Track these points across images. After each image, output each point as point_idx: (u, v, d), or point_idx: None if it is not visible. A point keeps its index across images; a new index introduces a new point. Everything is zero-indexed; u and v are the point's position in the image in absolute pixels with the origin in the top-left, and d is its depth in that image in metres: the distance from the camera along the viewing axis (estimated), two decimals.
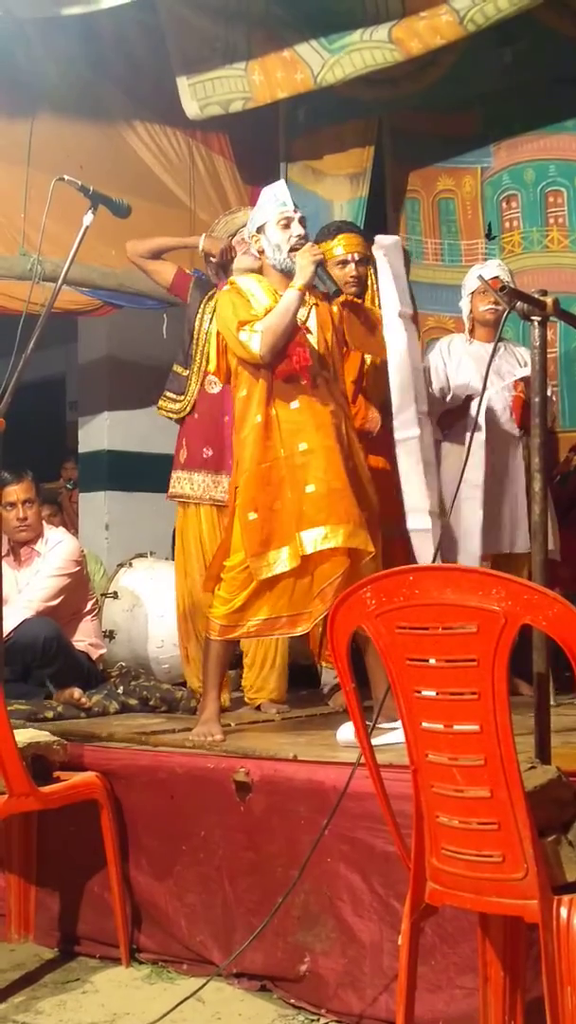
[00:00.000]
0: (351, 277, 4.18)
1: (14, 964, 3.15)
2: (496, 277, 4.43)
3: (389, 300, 3.70)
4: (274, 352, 3.54)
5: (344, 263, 4.22)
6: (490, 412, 4.32)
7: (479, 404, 4.16)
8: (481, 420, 4.11)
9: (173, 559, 5.45)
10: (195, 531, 4.48)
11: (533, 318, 2.26)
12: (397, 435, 3.78)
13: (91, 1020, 2.78)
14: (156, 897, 3.15)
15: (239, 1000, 2.85)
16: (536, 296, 2.25)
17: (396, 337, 3.72)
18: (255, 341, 3.52)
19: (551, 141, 5.21)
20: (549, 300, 2.24)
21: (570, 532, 4.66)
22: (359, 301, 3.79)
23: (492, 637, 1.91)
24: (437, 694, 2.03)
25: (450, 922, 2.52)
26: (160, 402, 4.62)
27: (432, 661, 2.02)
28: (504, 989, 2.32)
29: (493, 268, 4.52)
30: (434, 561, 3.37)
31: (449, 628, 1.98)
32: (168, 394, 4.58)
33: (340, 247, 4.25)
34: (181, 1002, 2.71)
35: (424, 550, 3.68)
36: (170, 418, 4.58)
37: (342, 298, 3.82)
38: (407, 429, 3.76)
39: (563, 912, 1.93)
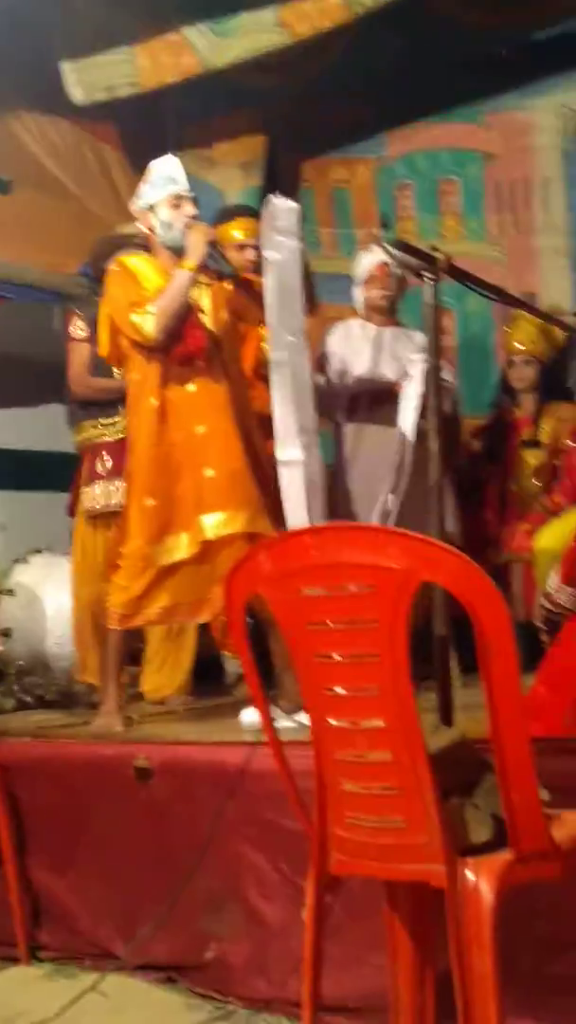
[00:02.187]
0: (248, 262, 4.12)
1: None
2: (383, 262, 4.43)
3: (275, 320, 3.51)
4: (168, 333, 3.46)
5: (242, 247, 4.15)
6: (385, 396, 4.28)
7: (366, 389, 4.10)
8: (409, 407, 4.02)
9: (69, 555, 5.34)
10: (103, 540, 4.35)
11: (425, 275, 2.23)
12: (279, 455, 3.51)
13: None
14: (57, 892, 3.06)
15: (144, 992, 2.77)
16: (429, 252, 2.22)
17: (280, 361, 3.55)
18: (148, 323, 3.44)
19: (444, 130, 5.25)
20: (442, 255, 2.22)
21: (471, 517, 4.68)
22: (250, 277, 3.72)
23: (390, 596, 1.87)
24: (338, 657, 1.98)
25: (358, 899, 2.47)
26: (86, 432, 4.48)
27: (331, 624, 1.96)
28: (413, 961, 2.27)
29: (377, 252, 4.51)
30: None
31: (347, 589, 1.93)
32: (100, 420, 4.43)
33: (238, 231, 4.19)
34: (80, 996, 2.63)
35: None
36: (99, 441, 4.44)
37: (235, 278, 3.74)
38: (289, 452, 3.48)
39: (469, 874, 1.89)
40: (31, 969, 3.00)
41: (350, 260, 4.99)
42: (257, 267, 4.08)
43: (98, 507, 4.36)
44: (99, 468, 4.43)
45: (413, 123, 5.36)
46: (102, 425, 4.43)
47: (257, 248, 4.11)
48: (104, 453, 4.41)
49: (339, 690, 1.98)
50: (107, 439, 4.40)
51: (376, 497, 4.20)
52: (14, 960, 3.03)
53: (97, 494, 4.40)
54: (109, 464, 4.37)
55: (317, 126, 5.55)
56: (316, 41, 4.76)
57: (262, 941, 2.68)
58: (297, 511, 3.37)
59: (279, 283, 3.35)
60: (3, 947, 3.08)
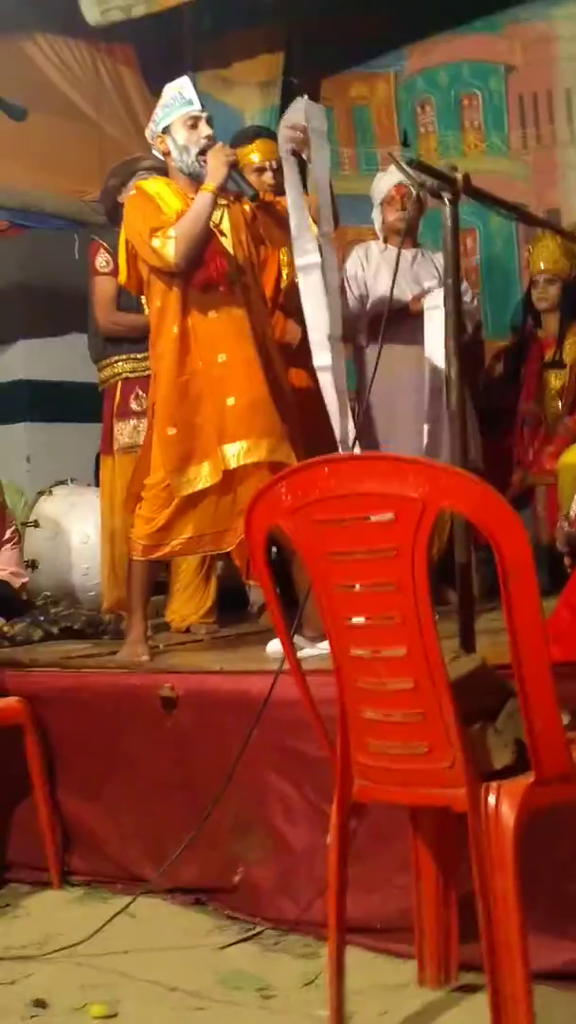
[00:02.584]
0: (268, 185, 4.04)
1: None
2: (401, 183, 4.35)
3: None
4: (189, 259, 3.40)
5: (261, 170, 4.08)
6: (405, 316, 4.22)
7: (387, 311, 4.03)
8: (434, 332, 3.96)
9: (95, 485, 5.35)
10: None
11: (444, 195, 2.17)
12: (316, 362, 3.49)
13: (23, 943, 2.73)
14: (86, 819, 3.11)
15: (174, 914, 2.83)
16: (446, 172, 2.16)
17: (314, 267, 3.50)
18: (169, 247, 3.38)
19: (464, 41, 5.11)
20: (460, 175, 2.16)
21: (496, 441, 4.64)
22: (271, 199, 3.65)
23: (411, 524, 1.85)
24: (358, 587, 1.98)
25: (382, 822, 2.49)
26: (116, 367, 4.43)
27: (351, 554, 1.95)
28: (437, 883, 2.31)
29: (393, 173, 4.42)
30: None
31: (367, 518, 1.92)
32: (131, 355, 4.36)
33: (257, 153, 4.11)
34: (112, 918, 2.68)
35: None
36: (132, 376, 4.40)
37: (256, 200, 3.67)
38: (323, 357, 3.45)
39: (491, 799, 1.89)
40: (63, 893, 3.06)
41: (371, 179, 4.90)
42: (277, 189, 4.01)
43: (134, 444, 4.32)
44: (133, 404, 4.38)
45: (433, 36, 5.22)
46: (134, 360, 4.37)
47: (276, 170, 4.04)
48: (138, 389, 4.35)
49: (360, 619, 1.98)
50: (140, 374, 4.34)
51: (398, 417, 4.17)
52: (46, 884, 3.09)
53: (133, 430, 4.37)
54: (144, 401, 4.32)
55: (335, 42, 5.41)
56: None
57: (288, 864, 2.71)
58: (336, 415, 3.34)
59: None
60: (35, 871, 3.13)
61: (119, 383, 4.45)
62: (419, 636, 1.91)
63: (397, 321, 4.24)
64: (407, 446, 4.07)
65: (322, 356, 3.37)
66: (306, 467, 1.98)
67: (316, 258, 3.40)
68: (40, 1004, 2.37)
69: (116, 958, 2.59)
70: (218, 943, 2.66)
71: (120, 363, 4.44)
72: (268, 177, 4.03)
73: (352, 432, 3.46)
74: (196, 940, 2.68)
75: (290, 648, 2.16)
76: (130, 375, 4.41)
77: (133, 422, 4.37)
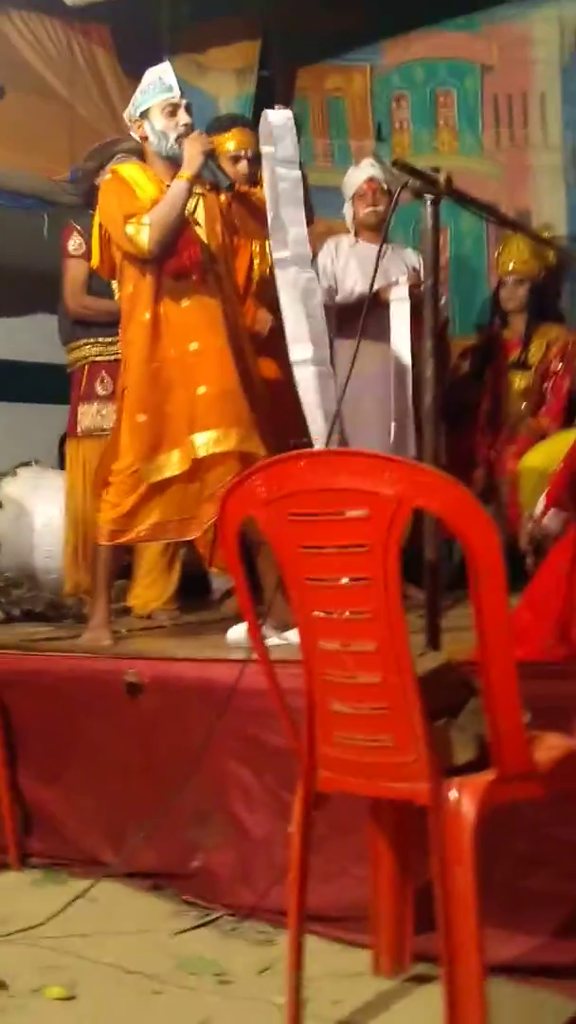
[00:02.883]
0: (243, 174, 4.05)
1: None
2: (371, 178, 4.38)
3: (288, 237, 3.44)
4: (163, 246, 3.40)
5: (236, 159, 4.08)
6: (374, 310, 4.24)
7: (365, 306, 4.07)
8: (399, 326, 3.99)
9: (59, 468, 5.34)
10: (95, 457, 4.34)
11: (426, 196, 2.20)
12: (292, 356, 3.55)
13: None
14: (47, 802, 3.12)
15: (132, 898, 2.84)
16: (429, 172, 2.19)
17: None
18: (143, 234, 3.38)
19: (441, 39, 5.13)
20: (442, 176, 2.19)
21: (459, 439, 4.68)
22: (247, 189, 3.66)
23: (384, 521, 1.88)
24: (329, 581, 2.00)
25: (342, 813, 2.51)
26: (83, 350, 4.42)
27: (324, 548, 1.98)
28: (393, 874, 2.35)
29: (365, 168, 4.45)
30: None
31: (341, 513, 1.94)
32: (99, 339, 4.38)
33: (232, 142, 4.11)
34: (72, 901, 2.70)
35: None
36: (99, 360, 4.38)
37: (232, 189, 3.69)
38: (301, 351, 3.50)
39: (452, 794, 1.93)
40: (22, 875, 3.07)
41: (343, 172, 4.92)
42: (252, 178, 4.02)
43: (98, 427, 4.34)
44: (99, 388, 4.40)
45: (410, 31, 5.23)
46: (101, 344, 4.38)
47: (251, 159, 4.05)
48: (104, 373, 4.36)
49: (331, 613, 2.00)
50: (107, 358, 4.35)
51: (364, 414, 4.20)
52: (5, 866, 3.10)
53: (94, 414, 4.38)
54: (109, 385, 4.34)
55: (313, 32, 5.41)
56: None
57: (247, 852, 2.74)
58: (314, 411, 3.36)
59: (283, 188, 3.31)
60: None
61: (86, 366, 4.45)
62: (388, 632, 1.94)
63: (364, 316, 4.26)
64: (373, 442, 4.12)
65: (299, 350, 3.39)
66: (282, 460, 2.00)
67: (290, 252, 3.41)
68: None
69: (74, 941, 2.60)
70: (176, 928, 2.68)
71: (88, 346, 4.44)
72: (243, 166, 4.04)
73: (320, 424, 3.48)
74: (154, 924, 2.71)
75: (259, 637, 2.18)
76: (96, 359, 4.42)
77: (97, 405, 4.38)
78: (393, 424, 3.96)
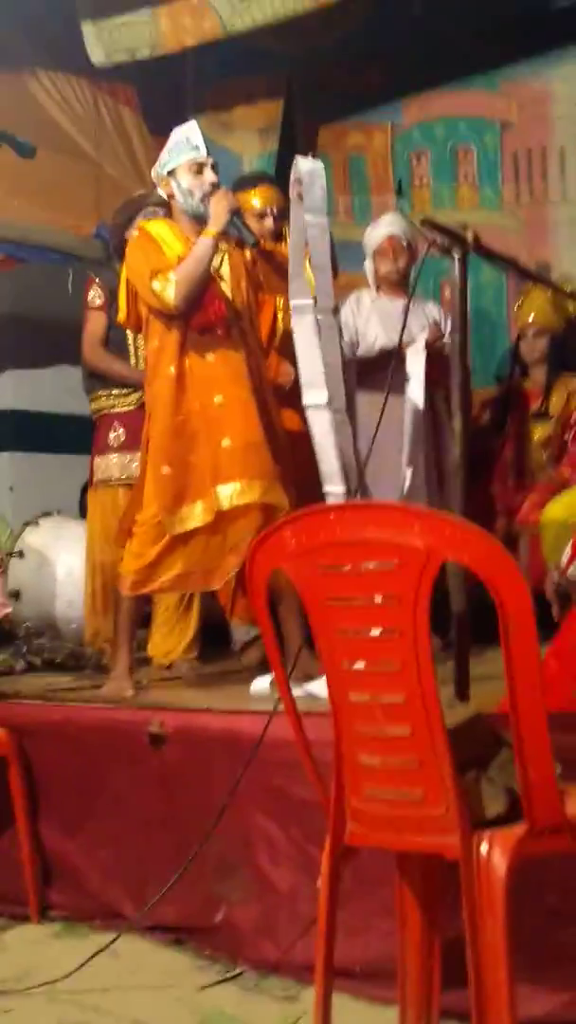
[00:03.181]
0: (268, 231, 4.11)
1: None
2: (391, 235, 4.43)
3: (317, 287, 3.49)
4: (189, 302, 3.45)
5: (262, 216, 4.14)
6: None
7: (392, 362, 4.11)
8: (414, 377, 4.02)
9: (80, 517, 5.37)
10: (113, 507, 4.38)
11: (453, 253, 2.23)
12: (306, 400, 3.54)
13: (2, 977, 2.72)
14: (67, 853, 3.11)
15: (153, 952, 2.82)
16: (456, 230, 2.22)
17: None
18: (170, 290, 3.43)
19: (461, 98, 5.22)
20: (470, 233, 2.22)
21: (479, 488, 4.69)
22: (272, 246, 3.71)
23: (414, 574, 1.89)
24: (359, 633, 2.01)
25: (368, 867, 2.51)
26: (100, 401, 4.48)
27: (354, 600, 1.99)
28: (421, 929, 2.31)
29: (385, 224, 4.51)
30: None
31: (370, 566, 1.95)
32: (113, 391, 4.43)
33: (258, 199, 4.17)
34: (94, 955, 2.68)
35: None
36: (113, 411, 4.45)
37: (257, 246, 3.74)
38: (315, 395, 3.50)
39: (483, 847, 1.92)
40: (41, 928, 3.05)
41: (364, 227, 4.98)
42: (277, 235, 4.08)
43: (110, 478, 4.39)
44: (111, 439, 4.44)
45: (430, 90, 5.33)
46: (116, 396, 4.43)
47: (276, 216, 4.11)
48: (116, 424, 4.42)
49: (360, 665, 2.01)
50: (119, 409, 4.41)
51: (389, 466, 4.22)
52: (25, 918, 3.08)
53: (108, 465, 4.43)
54: (122, 435, 4.38)
55: (335, 92, 5.52)
56: (337, 6, 4.72)
57: (271, 905, 2.72)
58: (328, 456, 3.38)
59: (311, 234, 3.34)
60: (13, 905, 3.12)
61: (101, 417, 4.50)
62: (418, 683, 1.94)
63: (384, 369, 4.30)
64: (390, 492, 4.15)
65: (314, 395, 3.42)
66: (312, 512, 2.02)
67: (309, 300, 3.46)
68: None
69: (95, 995, 2.59)
70: (198, 983, 2.66)
71: (103, 398, 4.49)
72: (269, 223, 4.09)
73: (339, 472, 3.48)
74: (176, 979, 2.68)
75: (287, 689, 2.18)
76: (111, 411, 4.47)
77: (109, 456, 4.42)
78: (408, 471, 3.96)
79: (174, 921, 2.86)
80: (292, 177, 3.40)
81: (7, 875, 3.14)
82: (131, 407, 4.34)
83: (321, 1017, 2.10)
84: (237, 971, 2.71)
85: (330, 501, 3.44)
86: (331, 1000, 2.12)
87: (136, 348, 4.32)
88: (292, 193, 3.38)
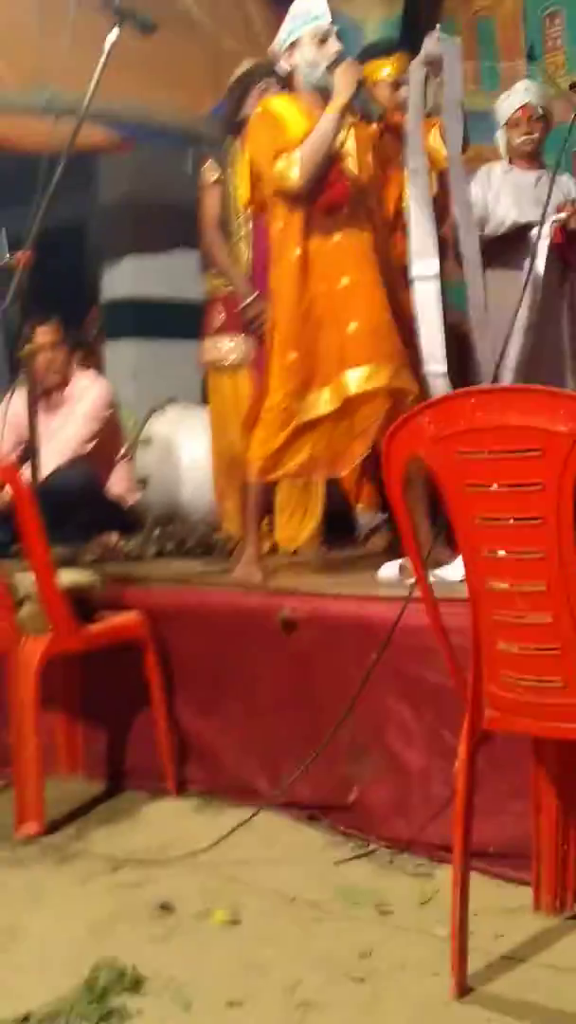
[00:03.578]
0: (401, 102, 3.94)
1: (64, 798, 3.20)
2: (526, 104, 4.22)
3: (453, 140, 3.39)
4: (313, 180, 3.36)
5: (397, 86, 3.98)
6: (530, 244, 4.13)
7: (538, 234, 3.93)
8: (540, 256, 3.88)
9: (204, 404, 5.39)
10: (231, 390, 4.39)
11: None
12: (414, 271, 3.47)
13: (144, 848, 2.84)
14: (202, 732, 3.19)
15: (289, 828, 2.89)
16: None
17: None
18: (294, 169, 3.34)
19: None
20: None
21: None
22: (399, 119, 3.58)
23: (558, 460, 1.85)
24: (498, 520, 1.97)
25: (501, 751, 2.51)
26: (210, 281, 4.46)
27: (494, 487, 1.95)
28: (557, 813, 2.34)
29: (519, 93, 4.29)
30: None
31: (512, 451, 1.91)
32: (214, 271, 4.41)
33: (390, 68, 4.00)
34: (234, 829, 2.77)
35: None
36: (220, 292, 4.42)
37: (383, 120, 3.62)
38: (425, 266, 3.44)
39: None
40: (179, 802, 3.15)
41: (493, 95, 4.76)
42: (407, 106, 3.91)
43: (217, 360, 4.38)
44: (215, 321, 4.42)
45: None
46: (216, 276, 4.39)
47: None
48: (220, 306, 4.38)
49: (501, 552, 1.98)
50: (224, 292, 4.37)
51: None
52: (164, 793, 3.19)
53: (215, 347, 4.41)
54: (222, 317, 4.36)
55: None
56: None
57: (403, 786, 2.76)
58: (432, 330, 3.29)
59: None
60: (153, 780, 3.23)
61: (211, 299, 4.47)
62: (560, 571, 1.91)
63: (514, 246, 4.16)
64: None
65: (424, 265, 3.32)
66: (451, 397, 1.98)
67: (424, 161, 3.37)
68: (166, 908, 2.46)
69: (235, 867, 2.68)
70: (334, 858, 2.72)
71: (212, 278, 4.45)
72: (403, 92, 3.92)
73: (441, 349, 3.39)
74: (312, 854, 2.76)
75: (423, 577, 2.17)
76: (215, 293, 4.44)
77: (217, 339, 4.41)
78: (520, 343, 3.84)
79: (309, 799, 2.93)
80: (423, 52, 3.26)
81: (146, 753, 3.24)
82: (230, 287, 4.31)
83: (459, 895, 2.14)
84: (371, 848, 2.76)
85: (431, 381, 3.37)
86: (468, 881, 2.15)
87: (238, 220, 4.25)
88: (415, 68, 3.25)
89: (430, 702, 2.70)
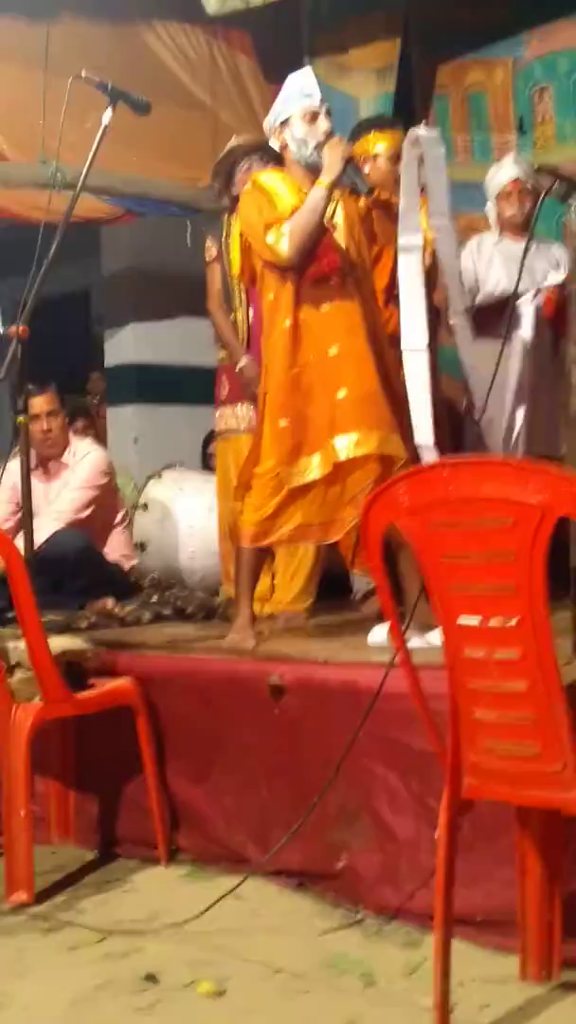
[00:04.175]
0: (393, 178, 4.02)
1: (55, 866, 3.20)
2: (516, 178, 4.33)
3: (438, 204, 3.49)
4: (303, 253, 3.44)
5: (392, 160, 4.07)
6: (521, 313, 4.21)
7: (511, 305, 4.03)
8: (526, 322, 3.97)
9: (202, 469, 5.46)
10: (235, 457, 4.45)
11: (571, 201, 2.18)
12: (404, 344, 3.52)
13: (132, 917, 2.83)
14: (193, 799, 3.19)
15: (277, 896, 2.89)
16: (573, 175, 2.16)
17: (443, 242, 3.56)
18: (283, 242, 3.42)
19: None
20: None
21: None
22: (388, 197, 3.66)
23: (529, 530, 1.88)
24: (474, 589, 2.00)
25: (487, 818, 2.52)
26: (219, 352, 4.56)
27: (468, 556, 1.98)
28: (542, 880, 2.33)
29: (509, 167, 4.40)
30: None
31: (485, 522, 1.94)
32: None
33: (382, 143, 4.09)
34: (221, 898, 2.76)
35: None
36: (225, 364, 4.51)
37: (372, 195, 3.70)
38: (415, 339, 3.47)
39: None
40: (170, 870, 3.14)
41: (485, 166, 4.87)
42: (399, 181, 4.00)
43: (230, 428, 4.45)
44: (222, 392, 4.50)
45: (553, 22, 5.13)
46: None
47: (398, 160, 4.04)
48: (224, 376, 4.47)
49: (475, 621, 2.01)
50: (230, 362, 4.45)
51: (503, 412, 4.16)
52: (154, 860, 3.18)
53: (224, 415, 4.49)
54: (226, 388, 4.45)
55: (453, 28, 5.36)
56: None
57: (392, 854, 2.75)
58: (420, 402, 3.34)
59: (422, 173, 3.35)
60: (144, 848, 3.23)
61: (219, 368, 4.55)
62: (534, 639, 1.94)
63: (500, 314, 4.23)
64: (498, 441, 4.10)
65: (413, 339, 3.38)
66: (426, 469, 2.03)
67: (418, 240, 3.44)
68: (151, 979, 2.45)
69: (222, 936, 2.66)
70: (322, 927, 2.71)
71: (219, 350, 4.54)
72: (395, 169, 4.00)
73: (429, 422, 3.44)
74: (300, 923, 2.75)
75: (402, 642, 2.20)
76: (221, 363, 4.53)
77: (226, 408, 4.48)
78: (520, 414, 3.90)
79: (297, 866, 2.93)
80: (408, 141, 3.36)
81: (137, 820, 3.24)
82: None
83: (441, 964, 2.13)
84: (359, 917, 2.75)
85: (422, 455, 3.41)
86: (450, 949, 2.15)
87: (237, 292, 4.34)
88: (407, 155, 3.34)
89: (416, 769, 2.70)
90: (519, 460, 1.96)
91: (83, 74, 3.27)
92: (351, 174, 3.48)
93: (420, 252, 3.43)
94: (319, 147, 3.46)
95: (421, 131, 3.35)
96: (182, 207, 5.35)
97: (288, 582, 4.39)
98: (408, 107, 5.44)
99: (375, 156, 4.03)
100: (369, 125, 4.21)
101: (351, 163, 3.47)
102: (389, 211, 3.56)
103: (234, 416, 4.47)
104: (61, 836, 3.40)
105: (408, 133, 3.39)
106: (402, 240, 3.42)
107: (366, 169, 3.94)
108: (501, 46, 5.28)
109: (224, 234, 4.29)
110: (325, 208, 3.43)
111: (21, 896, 2.91)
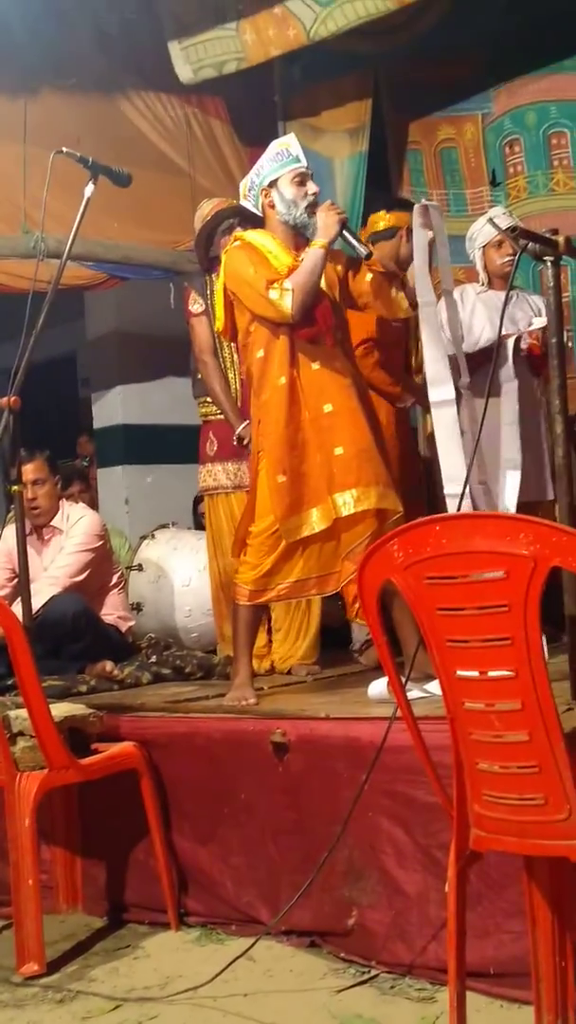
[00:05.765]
0: (406, 256, 4.11)
1: (65, 935, 3.19)
2: (512, 227, 4.40)
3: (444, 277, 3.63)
4: (304, 311, 3.49)
5: (391, 234, 4.21)
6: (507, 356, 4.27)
7: (496, 353, 4.09)
8: (509, 371, 4.03)
9: (194, 528, 5.48)
10: (226, 514, 4.48)
11: (546, 258, 2.23)
12: (432, 397, 3.60)
13: (144, 984, 2.81)
14: (201, 861, 3.18)
15: (289, 957, 2.88)
16: (547, 236, 2.22)
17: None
18: (287, 299, 3.46)
19: (551, 82, 5.14)
20: (561, 239, 2.22)
21: None
22: (378, 267, 3.76)
23: (522, 582, 1.91)
24: (470, 642, 2.03)
25: (495, 869, 2.53)
26: (203, 407, 4.58)
27: (463, 610, 2.01)
28: (552, 930, 2.33)
29: (502, 218, 4.48)
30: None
31: (478, 576, 1.97)
32: (205, 399, 4.53)
33: (383, 223, 4.25)
34: (232, 962, 2.74)
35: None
36: (211, 419, 4.54)
37: (375, 268, 3.78)
38: (442, 392, 3.57)
39: None
40: (180, 934, 3.13)
41: (461, 220, 4.97)
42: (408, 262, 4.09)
43: (217, 486, 4.47)
44: (208, 449, 4.52)
45: (520, 76, 5.26)
46: (211, 403, 4.50)
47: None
48: (211, 434, 4.50)
49: (473, 673, 2.03)
50: (213, 418, 4.49)
51: (490, 458, 4.20)
52: (164, 925, 3.17)
53: (212, 473, 4.50)
54: (215, 446, 4.47)
55: (423, 86, 5.50)
56: (419, 3, 4.71)
57: (401, 909, 2.75)
58: (452, 453, 3.39)
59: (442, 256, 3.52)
60: (153, 912, 3.21)
61: (204, 424, 4.57)
62: (533, 690, 1.96)
63: (489, 365, 4.29)
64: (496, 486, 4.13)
65: (438, 391, 3.44)
66: (418, 525, 2.05)
67: (433, 297, 3.55)
68: None
69: (236, 1001, 2.65)
70: (334, 986, 2.70)
71: (206, 403, 4.55)
72: (406, 248, 4.04)
73: (462, 472, 3.48)
74: (313, 983, 2.73)
75: (403, 699, 2.21)
76: (207, 418, 4.55)
77: (213, 466, 4.50)
78: (514, 462, 3.95)
79: (308, 926, 2.92)
80: (416, 215, 3.49)
81: (146, 884, 3.23)
82: (220, 416, 4.42)
83: (457, 1018, 2.13)
84: (372, 973, 2.74)
85: (450, 502, 3.45)
86: (465, 1002, 2.15)
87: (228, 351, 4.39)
88: (417, 229, 3.47)
89: (422, 822, 2.71)
90: (509, 513, 1.98)
91: (64, 150, 3.34)
92: (346, 238, 3.54)
93: (435, 307, 3.54)
94: (309, 208, 3.54)
95: (429, 204, 3.54)
96: (163, 270, 5.43)
97: (297, 640, 4.41)
98: (382, 165, 5.56)
99: (380, 231, 4.16)
100: (393, 204, 4.36)
101: (347, 227, 3.54)
102: (392, 280, 3.67)
103: (224, 473, 4.49)
104: (69, 904, 3.39)
105: (416, 207, 3.54)
106: (420, 299, 3.51)
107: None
108: (471, 101, 5.41)
109: (208, 291, 4.35)
110: (323, 268, 3.50)
111: (33, 967, 2.90)
